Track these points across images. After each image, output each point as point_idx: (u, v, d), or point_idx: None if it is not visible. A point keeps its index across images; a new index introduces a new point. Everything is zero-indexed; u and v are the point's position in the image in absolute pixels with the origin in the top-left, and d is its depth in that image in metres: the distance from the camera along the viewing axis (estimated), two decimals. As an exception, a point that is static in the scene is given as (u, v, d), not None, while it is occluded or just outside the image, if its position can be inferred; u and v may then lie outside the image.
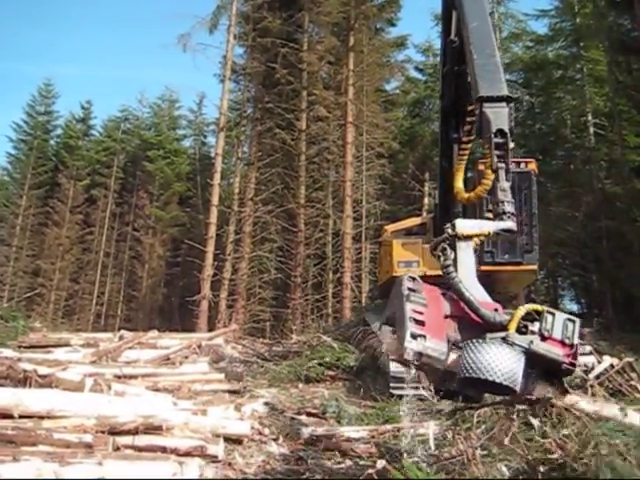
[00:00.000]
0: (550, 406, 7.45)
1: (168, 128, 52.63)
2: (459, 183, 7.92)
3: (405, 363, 5.13)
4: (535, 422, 7.98)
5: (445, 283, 5.51)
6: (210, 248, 27.49)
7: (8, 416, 6.89)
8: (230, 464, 6.95)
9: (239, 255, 30.83)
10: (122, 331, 15.11)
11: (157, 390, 9.45)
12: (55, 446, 6.38)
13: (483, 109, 6.48)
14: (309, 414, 9.83)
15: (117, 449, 6.51)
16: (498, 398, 6.79)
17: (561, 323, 5.01)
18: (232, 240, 30.59)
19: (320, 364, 12.87)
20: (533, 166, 13.54)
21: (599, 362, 10.67)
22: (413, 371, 10.53)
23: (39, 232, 46.56)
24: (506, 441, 7.50)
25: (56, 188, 47.21)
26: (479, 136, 6.76)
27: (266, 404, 10.06)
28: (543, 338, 4.94)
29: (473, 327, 5.22)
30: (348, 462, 7.11)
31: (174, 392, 9.43)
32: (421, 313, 5.16)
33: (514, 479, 6.05)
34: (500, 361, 4.78)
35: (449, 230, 5.91)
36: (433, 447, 7.50)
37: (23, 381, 8.38)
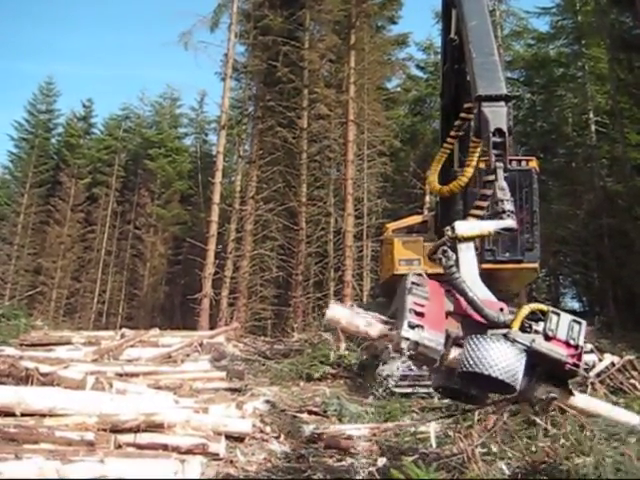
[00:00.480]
0: (553, 407, 7.45)
1: (169, 126, 52.63)
2: (433, 175, 7.93)
3: (401, 353, 5.14)
4: (537, 420, 8.00)
5: (447, 282, 5.51)
6: (211, 246, 27.47)
7: (10, 414, 6.91)
8: (232, 462, 6.96)
9: (240, 253, 30.85)
10: (123, 329, 15.13)
11: (159, 388, 9.46)
12: (57, 444, 6.40)
13: (482, 108, 6.45)
14: (310, 412, 9.85)
15: (119, 447, 6.52)
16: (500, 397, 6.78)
17: (566, 324, 5.01)
18: (233, 238, 30.61)
19: (321, 362, 12.88)
20: (534, 164, 13.51)
21: (600, 360, 10.68)
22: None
23: (40, 230, 46.57)
24: (506, 439, 7.52)
25: (57, 186, 47.22)
26: (477, 135, 6.78)
27: (267, 402, 10.07)
28: (547, 338, 4.93)
29: (476, 325, 5.23)
30: (349, 460, 7.11)
31: (175, 390, 9.45)
32: (422, 305, 5.18)
33: (514, 478, 6.05)
34: (500, 357, 4.77)
35: (449, 233, 5.89)
36: (434, 445, 7.51)
37: (25, 379, 8.41)
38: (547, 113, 35.15)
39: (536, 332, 4.96)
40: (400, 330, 5.02)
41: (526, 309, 5.07)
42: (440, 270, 12.10)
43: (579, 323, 5.01)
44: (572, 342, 4.90)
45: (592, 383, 8.71)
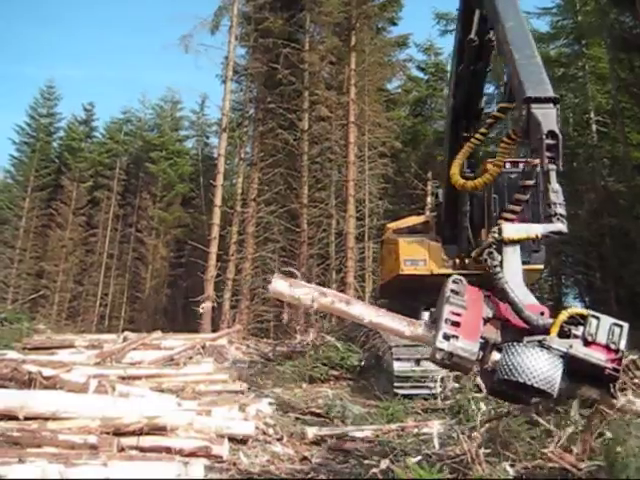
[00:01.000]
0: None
1: (170, 129, 52.73)
2: (455, 169, 8.04)
3: (437, 363, 5.23)
4: (540, 420, 7.98)
5: (490, 282, 5.52)
6: (213, 249, 27.49)
7: (13, 418, 6.91)
8: (235, 464, 6.95)
9: (242, 256, 30.88)
10: (126, 332, 15.08)
11: (161, 391, 9.45)
12: (60, 447, 6.40)
13: (531, 110, 6.51)
14: (313, 414, 9.85)
15: (122, 450, 6.53)
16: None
17: (607, 327, 5.00)
18: (235, 241, 30.64)
19: (324, 364, 12.88)
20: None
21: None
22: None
23: (42, 234, 46.70)
24: (511, 440, 7.50)
25: (59, 190, 47.37)
26: (525, 137, 6.79)
27: (270, 404, 10.05)
28: (586, 342, 4.94)
29: (515, 330, 5.25)
30: (352, 462, 7.11)
31: (178, 393, 9.43)
32: (458, 315, 5.23)
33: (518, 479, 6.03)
34: (536, 365, 4.79)
35: (495, 235, 5.93)
36: (437, 446, 7.50)
37: (28, 383, 8.39)
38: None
39: (575, 337, 4.96)
40: (435, 341, 5.09)
41: (565, 314, 5.07)
42: (447, 271, 12.37)
43: (620, 326, 5.00)
44: (612, 346, 4.90)
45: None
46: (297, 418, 9.51)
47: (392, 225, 15.43)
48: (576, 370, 5.00)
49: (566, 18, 33.58)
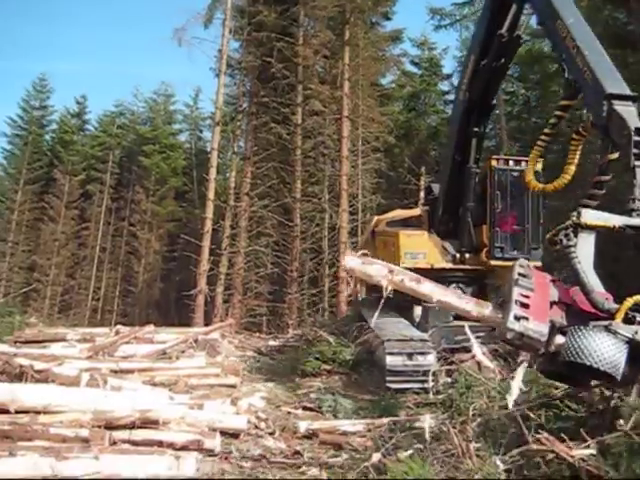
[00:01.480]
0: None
1: (164, 123, 52.64)
2: (530, 174, 8.52)
3: (508, 343, 5.38)
4: (531, 414, 8.02)
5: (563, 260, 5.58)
6: (206, 243, 27.46)
7: (5, 411, 6.91)
8: (227, 458, 6.96)
9: (235, 250, 30.84)
10: (118, 326, 15.08)
11: (154, 384, 9.45)
12: (51, 441, 6.41)
13: (614, 107, 6.78)
14: (305, 408, 9.85)
15: (114, 443, 6.53)
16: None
17: None
18: (228, 235, 30.59)
19: (316, 358, 12.87)
20: (540, 166, 13.59)
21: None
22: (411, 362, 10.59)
23: (35, 227, 46.53)
24: (501, 434, 7.53)
25: (51, 183, 47.21)
26: (603, 133, 7.19)
27: (262, 398, 10.07)
28: None
29: (580, 314, 5.38)
30: (344, 455, 7.13)
31: (171, 386, 9.44)
32: (527, 297, 5.38)
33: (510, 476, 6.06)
34: (602, 348, 4.90)
35: (574, 218, 6.08)
36: (429, 440, 7.52)
37: (19, 376, 8.39)
38: (541, 109, 35.14)
39: None
40: (506, 322, 5.19)
41: (630, 301, 5.20)
42: (447, 265, 12.52)
43: None
44: None
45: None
46: (289, 412, 9.51)
47: (382, 217, 15.36)
48: (638, 356, 5.09)
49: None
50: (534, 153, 8.94)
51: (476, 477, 5.80)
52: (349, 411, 9.44)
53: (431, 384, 10.32)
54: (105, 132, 52.07)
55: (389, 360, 10.67)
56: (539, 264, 14.20)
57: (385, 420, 8.52)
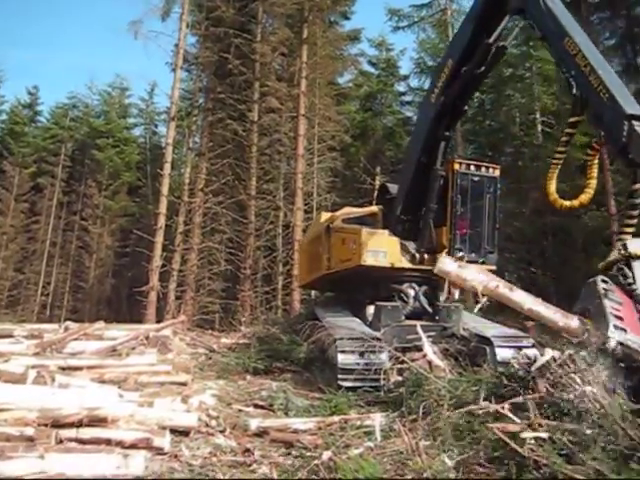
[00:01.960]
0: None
1: (118, 116, 51.93)
2: (552, 189, 9.18)
3: (606, 352, 5.69)
4: (479, 412, 8.14)
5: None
6: (159, 239, 27.18)
7: (-53, 409, 6.74)
8: (176, 456, 6.89)
9: (188, 246, 30.62)
10: (67, 322, 14.84)
11: (103, 382, 9.32)
12: (-5, 440, 6.27)
13: (634, 127, 7.45)
14: (257, 406, 9.82)
15: (60, 442, 6.41)
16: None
17: None
18: (182, 231, 30.36)
19: (269, 356, 12.86)
20: (498, 172, 13.88)
21: (541, 355, 10.89)
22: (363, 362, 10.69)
23: (-18, 220, 45.45)
24: (450, 433, 7.63)
25: (1, 175, 46.09)
26: (620, 151, 7.85)
27: (214, 396, 10.01)
28: None
29: None
30: (295, 453, 7.13)
31: (120, 384, 9.31)
32: (618, 310, 5.67)
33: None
34: None
35: (622, 251, 6.53)
36: (379, 438, 7.58)
37: (-37, 373, 8.19)
38: (496, 112, 35.70)
39: None
40: (607, 331, 5.51)
41: None
42: (407, 265, 12.84)
43: None
44: None
45: (533, 377, 8.89)
46: (240, 410, 9.47)
47: (338, 214, 15.35)
48: None
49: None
50: (551, 172, 9.45)
51: (425, 475, 5.86)
52: (300, 409, 9.44)
53: (382, 383, 10.40)
54: (57, 124, 51.13)
55: (341, 358, 10.72)
56: (494, 268, 14.51)
57: (336, 418, 8.55)
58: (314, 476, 6.08)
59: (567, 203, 9.01)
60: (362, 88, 41.99)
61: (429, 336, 12.07)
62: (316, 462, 6.26)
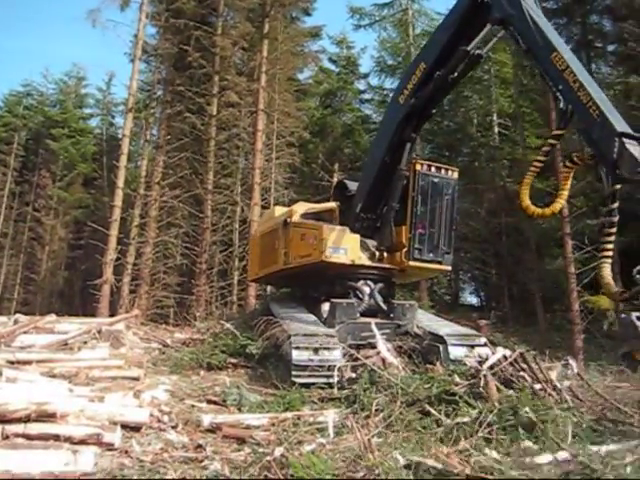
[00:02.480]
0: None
1: (74, 106, 51.05)
2: (525, 197, 9.36)
3: None
4: (432, 410, 8.24)
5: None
6: (114, 231, 26.83)
7: None
8: (127, 452, 6.83)
9: (144, 239, 30.27)
10: (18, 315, 14.58)
11: (53, 376, 9.18)
12: (-61, 435, 6.13)
13: (626, 145, 7.77)
14: (210, 402, 9.78)
15: (6, 438, 6.30)
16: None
17: None
18: (137, 224, 30.00)
19: (223, 351, 12.82)
20: (456, 175, 14.11)
21: (493, 353, 11.08)
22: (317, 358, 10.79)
23: None
24: (403, 430, 7.71)
25: (-51, 164, 45.01)
26: (610, 167, 8.07)
27: (166, 391, 9.94)
28: None
29: None
30: (247, 449, 7.11)
31: (71, 378, 9.19)
32: None
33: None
34: None
35: None
36: (332, 435, 7.61)
37: None
38: (454, 113, 36.11)
39: None
40: None
41: None
42: (367, 262, 13.28)
43: None
44: None
45: (484, 375, 9.05)
46: (193, 405, 9.42)
47: (295, 208, 15.33)
48: None
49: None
50: (528, 179, 9.66)
51: (377, 472, 5.90)
52: (254, 405, 9.44)
53: (336, 379, 10.45)
54: (10, 112, 49.95)
55: (295, 354, 10.75)
56: (449, 268, 14.73)
57: (289, 414, 8.58)
58: (266, 472, 6.07)
59: (539, 210, 9.26)
60: (322, 85, 42.04)
61: (383, 333, 12.19)
62: (268, 458, 6.26)
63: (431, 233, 13.60)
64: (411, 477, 5.91)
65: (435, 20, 36.67)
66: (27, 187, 46.86)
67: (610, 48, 29.07)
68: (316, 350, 10.84)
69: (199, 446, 7.29)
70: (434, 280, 31.93)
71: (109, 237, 26.70)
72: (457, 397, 8.44)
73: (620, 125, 8.10)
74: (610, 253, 8.50)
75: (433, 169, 13.78)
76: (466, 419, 7.74)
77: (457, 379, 9.65)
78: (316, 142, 37.95)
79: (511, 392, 8.94)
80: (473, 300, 38.28)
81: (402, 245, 13.40)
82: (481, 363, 10.47)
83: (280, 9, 32.34)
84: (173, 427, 7.97)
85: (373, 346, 11.75)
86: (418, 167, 13.58)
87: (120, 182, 27.56)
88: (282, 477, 5.87)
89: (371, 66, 41.13)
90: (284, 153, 33.11)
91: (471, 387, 8.84)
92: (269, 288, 22.94)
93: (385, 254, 13.67)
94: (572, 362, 12.07)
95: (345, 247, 13.18)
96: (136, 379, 9.93)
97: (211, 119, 30.77)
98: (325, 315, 12.91)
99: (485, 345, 12.06)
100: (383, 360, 11.27)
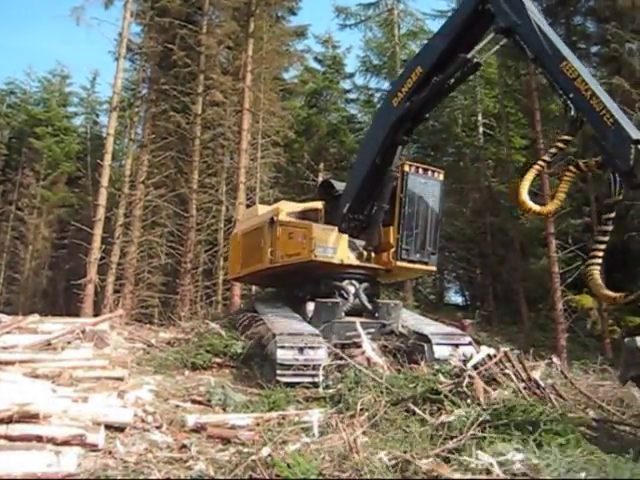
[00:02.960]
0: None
1: (58, 104, 50.59)
2: (525, 195, 9.26)
3: None
4: (417, 410, 8.26)
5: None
6: (98, 231, 26.66)
7: None
8: (110, 453, 6.79)
9: (128, 239, 30.12)
10: (0, 315, 14.46)
11: (36, 377, 9.11)
12: None
13: None
14: (194, 401, 9.77)
15: (-12, 439, 6.25)
16: None
17: None
18: (121, 223, 29.83)
19: (207, 351, 12.79)
20: (442, 177, 14.19)
21: (477, 352, 11.15)
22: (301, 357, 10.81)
23: None
24: (388, 429, 7.72)
25: None
26: (625, 173, 8.26)
27: (151, 391, 9.90)
28: None
29: None
30: (232, 450, 7.10)
31: (54, 379, 9.12)
32: None
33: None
34: None
35: None
36: (317, 434, 7.61)
37: None
38: (439, 113, 36.15)
39: None
40: None
41: None
42: (355, 262, 13.42)
43: None
44: None
45: (469, 375, 9.09)
46: (178, 405, 9.40)
47: (282, 207, 15.30)
48: None
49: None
50: (529, 175, 9.65)
51: (362, 471, 5.91)
52: (239, 405, 9.43)
53: (321, 379, 10.46)
54: (-7, 110, 49.60)
55: (280, 354, 10.75)
56: (434, 268, 14.82)
57: (274, 414, 8.58)
58: (251, 472, 6.06)
59: (536, 208, 9.31)
60: (307, 84, 41.98)
61: (368, 333, 12.23)
62: (253, 458, 6.25)
63: (418, 234, 13.68)
64: (397, 477, 5.92)
65: (420, 21, 36.84)
66: (10, 186, 46.46)
67: (594, 49, 29.20)
68: (301, 349, 10.86)
69: (183, 446, 7.27)
70: (419, 280, 32.03)
71: (93, 236, 26.53)
72: (442, 396, 8.47)
73: (635, 132, 8.28)
74: (599, 260, 8.58)
75: (420, 170, 13.88)
76: (451, 418, 7.77)
77: (442, 378, 9.70)
78: (301, 141, 37.92)
79: (498, 391, 8.99)
80: (458, 299, 38.40)
81: (389, 245, 13.46)
82: (465, 362, 10.53)
83: (265, 8, 32.26)
84: (157, 427, 7.95)
85: (358, 345, 11.78)
86: (406, 168, 13.67)
87: (104, 181, 27.38)
88: (267, 477, 5.86)
89: (357, 66, 41.19)
90: (269, 152, 33.04)
91: (456, 386, 8.87)
92: (254, 288, 22.91)
93: (372, 254, 13.73)
94: (556, 361, 12.16)
95: (334, 247, 13.22)
96: (120, 379, 9.87)
97: (196, 118, 30.64)
98: (310, 314, 12.93)
99: (470, 344, 12.13)
100: (368, 359, 11.31)
